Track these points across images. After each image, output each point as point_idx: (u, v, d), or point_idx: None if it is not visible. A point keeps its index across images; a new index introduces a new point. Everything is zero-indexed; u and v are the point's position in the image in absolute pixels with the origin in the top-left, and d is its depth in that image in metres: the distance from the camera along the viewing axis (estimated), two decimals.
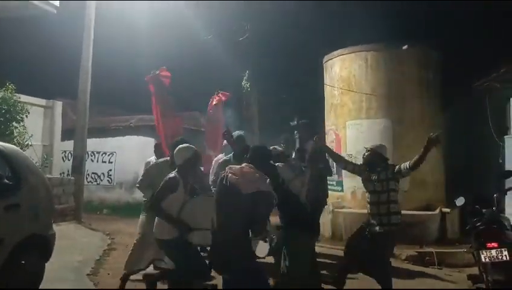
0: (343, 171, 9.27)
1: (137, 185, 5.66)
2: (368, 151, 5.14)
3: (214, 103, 7.43)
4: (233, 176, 3.77)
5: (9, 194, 4.47)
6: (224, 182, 3.78)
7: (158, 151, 6.84)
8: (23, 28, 13.55)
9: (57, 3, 9.67)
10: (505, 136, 8.51)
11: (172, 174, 4.37)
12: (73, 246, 7.59)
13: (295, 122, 6.25)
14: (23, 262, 4.46)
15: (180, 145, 4.56)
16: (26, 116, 9.34)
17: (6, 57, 13.29)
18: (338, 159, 5.66)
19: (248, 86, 10.66)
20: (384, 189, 4.87)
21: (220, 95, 7.41)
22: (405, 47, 9.04)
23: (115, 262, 6.76)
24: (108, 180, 14.02)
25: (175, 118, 7.02)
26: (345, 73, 9.51)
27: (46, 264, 4.88)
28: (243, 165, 3.92)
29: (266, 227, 3.97)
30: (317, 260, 5.30)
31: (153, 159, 7.13)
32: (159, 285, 4.69)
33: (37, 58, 15.81)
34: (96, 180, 14.14)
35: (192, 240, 4.26)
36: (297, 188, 4.62)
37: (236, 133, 5.89)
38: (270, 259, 4.67)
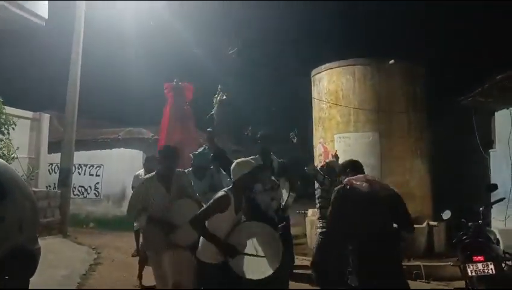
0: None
1: (127, 215, 4.75)
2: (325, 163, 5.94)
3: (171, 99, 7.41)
4: (363, 184, 4.00)
5: None
6: (354, 193, 3.99)
7: (149, 164, 6.83)
8: (11, 40, 13.49)
9: (46, 16, 9.65)
10: (490, 150, 8.63)
11: (224, 192, 3.92)
12: (59, 260, 7.46)
13: (258, 134, 6.30)
14: (6, 277, 4.38)
15: (239, 159, 4.16)
16: (13, 128, 9.25)
17: None
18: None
19: (218, 100, 10.52)
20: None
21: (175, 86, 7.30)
22: (391, 62, 9.17)
23: (101, 277, 6.68)
24: (95, 193, 13.87)
25: (189, 131, 7.09)
26: (333, 87, 9.60)
27: (30, 279, 4.80)
28: (359, 175, 4.16)
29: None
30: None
31: (141, 172, 7.12)
32: None
33: (25, 71, 15.75)
34: (83, 193, 13.97)
35: (237, 269, 3.77)
36: (265, 203, 4.63)
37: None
38: None
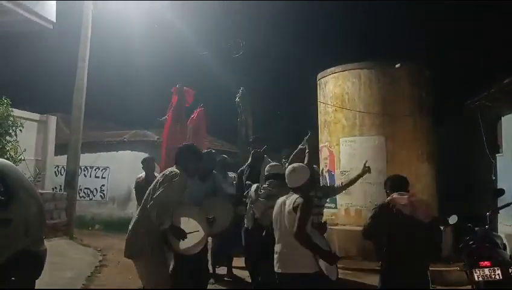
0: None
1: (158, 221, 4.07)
2: None
3: (195, 117, 7.52)
4: (407, 205, 4.03)
5: (0, 210, 4.43)
6: (396, 212, 4.03)
7: (150, 165, 6.86)
8: (19, 42, 13.60)
9: (54, 19, 9.73)
10: (496, 155, 8.58)
11: (302, 199, 3.79)
12: (65, 262, 7.49)
13: (251, 138, 6.36)
14: (13, 278, 4.40)
15: (296, 164, 4.10)
16: (20, 130, 9.31)
17: (1, 72, 13.30)
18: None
19: (240, 103, 10.72)
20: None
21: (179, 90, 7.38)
22: (398, 65, 9.14)
23: (106, 279, 6.69)
24: (101, 196, 13.92)
25: (198, 134, 7.20)
26: (338, 90, 9.59)
27: (36, 280, 4.82)
28: (404, 195, 4.18)
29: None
30: None
31: (143, 175, 7.15)
32: None
33: (32, 73, 15.86)
34: (88, 196, 14.03)
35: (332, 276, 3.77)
36: (259, 210, 4.64)
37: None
38: None
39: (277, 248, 3.89)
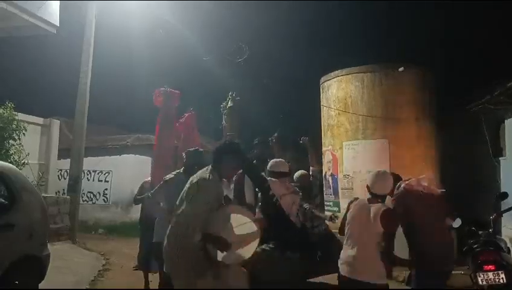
0: (340, 192, 9.30)
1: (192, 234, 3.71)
2: None
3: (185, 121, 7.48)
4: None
5: (3, 214, 4.44)
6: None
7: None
8: (22, 47, 13.67)
9: (57, 23, 9.78)
10: (500, 158, 8.55)
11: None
12: (68, 266, 7.50)
13: (256, 141, 6.35)
14: (16, 282, 4.41)
15: (382, 170, 4.03)
16: (24, 134, 9.34)
17: (5, 76, 13.38)
18: None
19: (228, 106, 10.58)
20: None
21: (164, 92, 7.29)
22: (401, 69, 9.12)
23: (109, 283, 6.69)
24: (104, 200, 13.94)
25: (188, 136, 7.19)
26: (342, 94, 9.59)
27: (39, 285, 4.82)
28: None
29: None
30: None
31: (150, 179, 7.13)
32: None
33: (35, 77, 15.93)
34: (91, 200, 14.06)
35: None
36: (287, 205, 4.61)
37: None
38: None
39: (351, 252, 3.78)
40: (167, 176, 5.28)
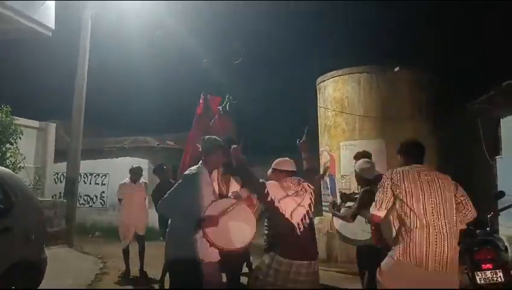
0: (338, 193, 9.29)
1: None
2: None
3: (199, 112, 7.09)
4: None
5: (0, 218, 4.42)
6: None
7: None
8: (18, 50, 13.63)
9: (53, 26, 9.75)
10: (496, 157, 8.57)
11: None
12: (65, 270, 7.46)
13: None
14: (13, 287, 4.38)
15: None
16: (20, 138, 9.31)
17: (1, 79, 13.34)
18: None
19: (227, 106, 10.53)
20: None
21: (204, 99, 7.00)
22: (396, 69, 9.16)
23: (107, 286, 6.66)
24: (101, 203, 13.90)
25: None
26: (338, 94, 9.60)
27: (36, 289, 4.80)
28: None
29: None
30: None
31: (127, 180, 7.23)
32: None
33: (31, 80, 15.88)
34: (88, 203, 14.01)
35: None
36: (288, 209, 4.54)
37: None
38: None
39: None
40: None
